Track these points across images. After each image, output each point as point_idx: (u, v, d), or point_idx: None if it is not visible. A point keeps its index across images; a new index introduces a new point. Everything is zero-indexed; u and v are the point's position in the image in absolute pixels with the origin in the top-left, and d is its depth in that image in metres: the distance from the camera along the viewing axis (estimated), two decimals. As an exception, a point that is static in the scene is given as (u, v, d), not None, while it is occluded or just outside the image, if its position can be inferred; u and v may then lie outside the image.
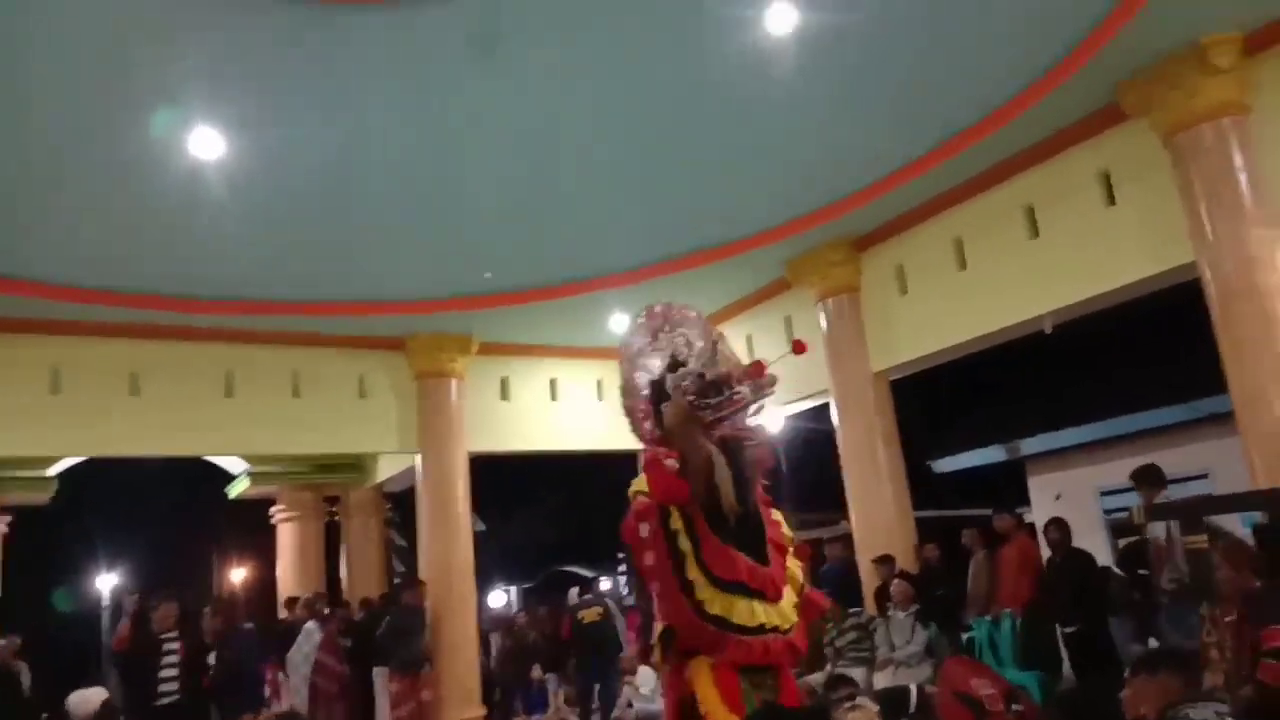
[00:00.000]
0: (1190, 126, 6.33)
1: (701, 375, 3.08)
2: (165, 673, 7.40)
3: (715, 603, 2.97)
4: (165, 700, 7.37)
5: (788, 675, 3.19)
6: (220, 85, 6.07)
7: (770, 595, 3.05)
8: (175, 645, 7.53)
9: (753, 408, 3.26)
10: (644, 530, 3.02)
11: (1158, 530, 7.18)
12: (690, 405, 3.02)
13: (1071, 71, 6.52)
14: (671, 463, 3.09)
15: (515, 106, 6.69)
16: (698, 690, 3.05)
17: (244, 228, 7.84)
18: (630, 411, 3.57)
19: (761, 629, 2.98)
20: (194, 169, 6.81)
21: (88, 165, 6.73)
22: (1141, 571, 7.45)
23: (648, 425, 3.44)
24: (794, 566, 3.28)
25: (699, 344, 3.48)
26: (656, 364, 3.45)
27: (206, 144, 6.55)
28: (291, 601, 12.34)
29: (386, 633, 10.12)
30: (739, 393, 3.06)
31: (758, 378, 3.08)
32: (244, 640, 9.47)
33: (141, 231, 7.79)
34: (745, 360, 3.34)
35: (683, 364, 3.32)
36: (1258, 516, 6.52)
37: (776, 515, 3.36)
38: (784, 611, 3.07)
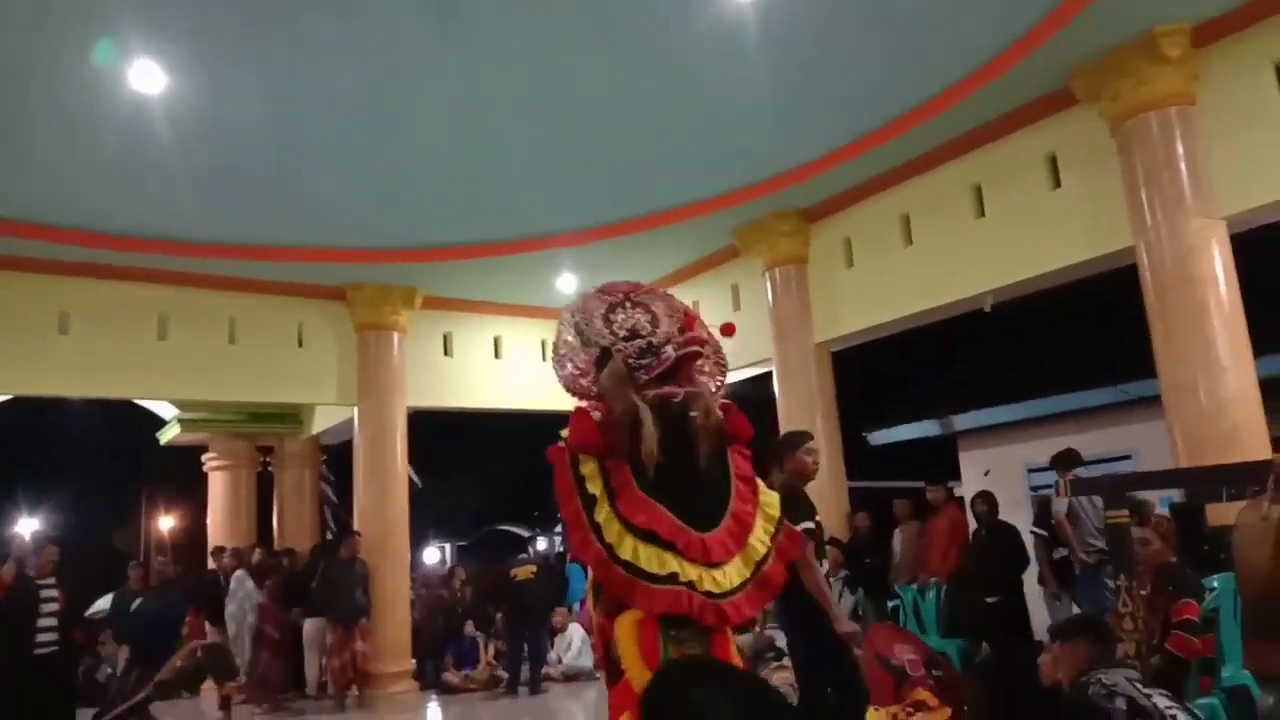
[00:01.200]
0: (1137, 114, 6.46)
1: (650, 343, 3.32)
2: (44, 621, 7.00)
3: (626, 548, 3.02)
4: (43, 650, 6.96)
5: (723, 637, 3.16)
6: (162, 17, 5.85)
7: (693, 555, 3.03)
8: (54, 593, 7.13)
9: (707, 377, 3.48)
10: (557, 472, 3.18)
11: (1060, 506, 7.49)
12: (626, 365, 3.25)
13: (1025, 54, 6.60)
14: (596, 415, 3.24)
15: (467, 60, 6.57)
16: (618, 643, 3.10)
17: (184, 167, 7.59)
18: (564, 367, 3.65)
19: (674, 579, 2.99)
20: (134, 103, 6.59)
21: (20, 93, 6.46)
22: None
23: (584, 382, 3.55)
24: (759, 543, 3.21)
25: (665, 321, 3.51)
26: (607, 333, 3.48)
27: (147, 78, 6.34)
28: (219, 550, 12.17)
29: (320, 583, 10.09)
30: (665, 353, 3.26)
31: (682, 336, 3.33)
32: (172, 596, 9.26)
33: (76, 165, 7.53)
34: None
35: (643, 337, 3.41)
36: (1176, 497, 6.80)
37: (767, 497, 3.34)
38: (718, 579, 3.04)
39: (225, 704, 8.82)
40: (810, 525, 4.71)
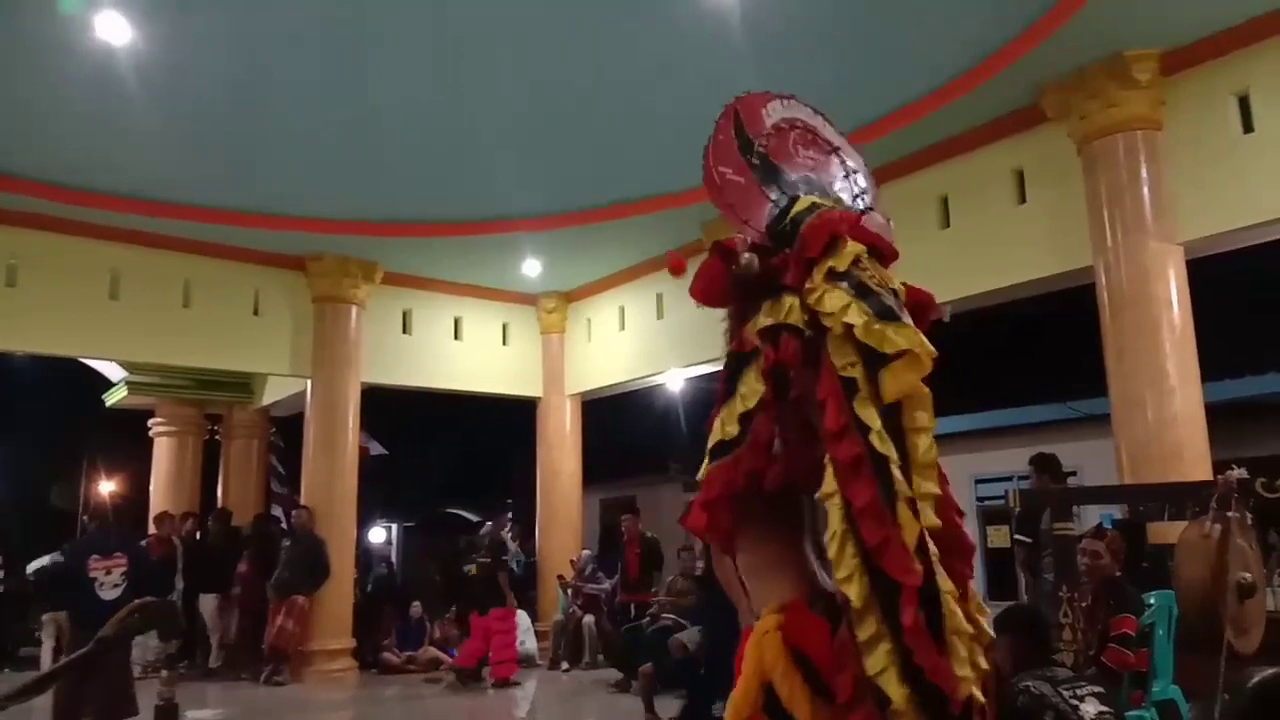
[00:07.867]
0: (1104, 135, 6.56)
1: None
2: None
3: None
4: None
5: None
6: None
7: None
8: None
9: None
10: None
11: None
12: None
13: (999, 69, 6.68)
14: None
15: (441, 37, 6.51)
16: None
17: (146, 122, 7.44)
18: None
19: None
20: (100, 52, 6.43)
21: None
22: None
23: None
24: None
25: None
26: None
27: (113, 28, 6.20)
28: (163, 517, 11.87)
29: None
30: None
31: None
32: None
33: (36, 111, 7.35)
34: None
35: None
36: (1118, 513, 6.93)
37: None
38: None
39: (170, 664, 8.55)
40: None
